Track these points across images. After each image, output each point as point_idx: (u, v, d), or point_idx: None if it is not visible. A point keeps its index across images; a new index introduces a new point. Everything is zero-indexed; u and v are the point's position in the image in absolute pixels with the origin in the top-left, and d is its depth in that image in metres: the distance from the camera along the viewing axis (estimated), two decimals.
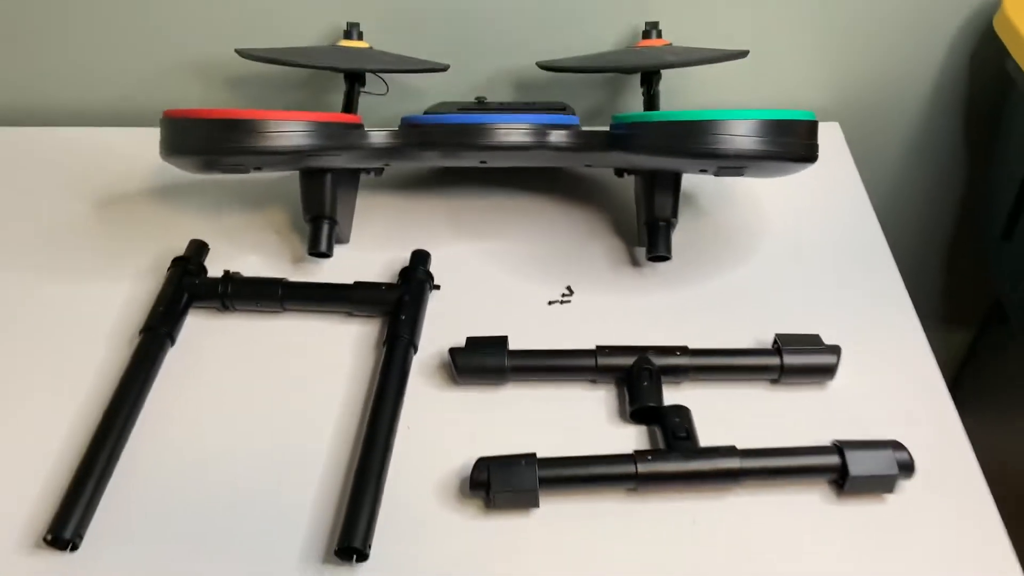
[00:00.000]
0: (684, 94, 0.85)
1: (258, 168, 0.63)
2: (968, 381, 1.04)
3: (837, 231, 0.74)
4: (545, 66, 0.77)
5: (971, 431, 0.60)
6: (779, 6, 0.80)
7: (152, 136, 0.80)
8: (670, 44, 0.77)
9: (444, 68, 0.76)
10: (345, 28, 0.77)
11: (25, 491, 0.55)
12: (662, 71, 0.76)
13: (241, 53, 0.72)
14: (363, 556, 0.51)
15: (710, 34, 0.81)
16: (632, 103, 0.86)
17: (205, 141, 0.61)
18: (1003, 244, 0.82)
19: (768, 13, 0.80)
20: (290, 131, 0.60)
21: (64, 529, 0.51)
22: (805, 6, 0.80)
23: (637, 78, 0.79)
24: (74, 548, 0.52)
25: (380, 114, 0.83)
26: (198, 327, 0.65)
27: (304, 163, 0.64)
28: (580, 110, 0.85)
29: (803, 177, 0.73)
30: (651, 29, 0.78)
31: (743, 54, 0.71)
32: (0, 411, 0.59)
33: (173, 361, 0.62)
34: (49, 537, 0.51)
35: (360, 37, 0.77)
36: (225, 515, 0.53)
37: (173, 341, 0.63)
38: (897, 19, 0.81)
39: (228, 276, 0.65)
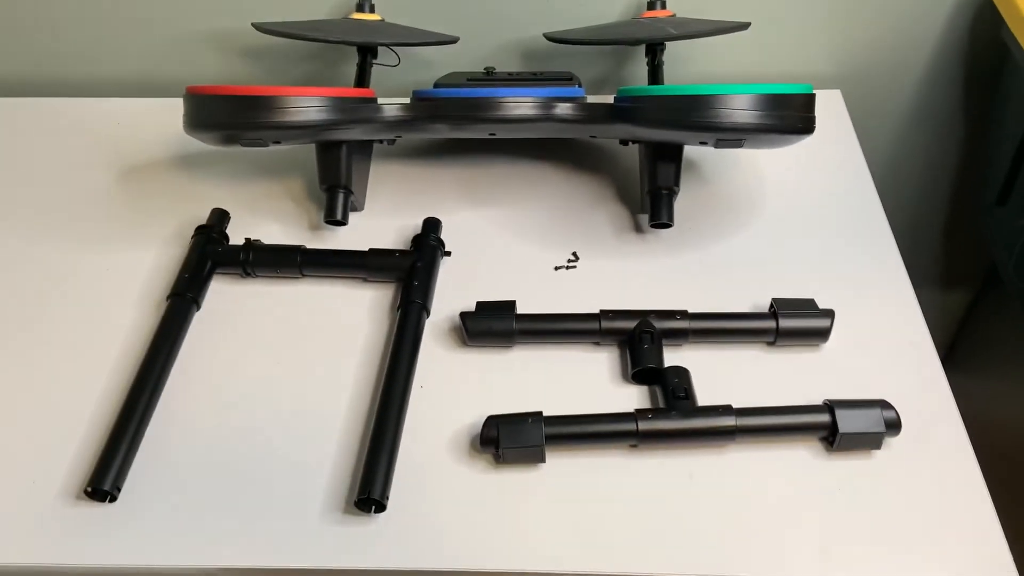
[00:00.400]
0: (689, 63, 0.86)
1: (277, 142, 0.66)
2: (964, 344, 1.06)
3: (835, 197, 0.76)
4: (552, 38, 0.79)
5: (966, 392, 0.62)
6: None
7: (172, 107, 0.83)
8: (674, 15, 0.78)
9: (454, 40, 0.78)
10: (358, 1, 0.79)
11: (65, 447, 0.58)
12: (666, 42, 0.78)
13: (257, 27, 0.75)
14: (381, 507, 0.54)
15: (714, 3, 0.82)
16: (637, 72, 0.88)
17: (226, 117, 0.63)
18: (998, 209, 0.84)
19: None
20: (308, 107, 0.63)
21: (103, 481, 0.55)
22: None
23: (642, 49, 0.81)
24: (112, 499, 0.55)
25: (392, 84, 0.85)
26: (222, 292, 0.68)
27: (321, 136, 0.67)
28: (586, 79, 0.87)
29: (803, 144, 0.76)
30: (656, 0, 0.79)
31: (744, 26, 0.73)
32: (39, 373, 0.63)
33: (199, 324, 0.66)
34: (89, 489, 0.55)
35: (372, 10, 0.79)
36: (251, 468, 0.57)
37: (199, 306, 0.66)
38: None
39: (249, 244, 0.68)
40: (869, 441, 0.58)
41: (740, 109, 0.60)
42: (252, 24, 0.75)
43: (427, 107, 0.67)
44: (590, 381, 0.62)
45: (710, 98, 0.60)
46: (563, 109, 0.66)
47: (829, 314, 0.63)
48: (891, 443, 0.58)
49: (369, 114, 0.66)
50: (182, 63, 0.86)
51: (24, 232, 0.73)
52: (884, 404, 0.58)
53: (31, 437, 0.59)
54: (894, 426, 0.58)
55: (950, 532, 0.54)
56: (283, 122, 0.63)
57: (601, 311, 0.64)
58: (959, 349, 1.07)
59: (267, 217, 0.74)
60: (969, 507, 0.55)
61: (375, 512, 0.55)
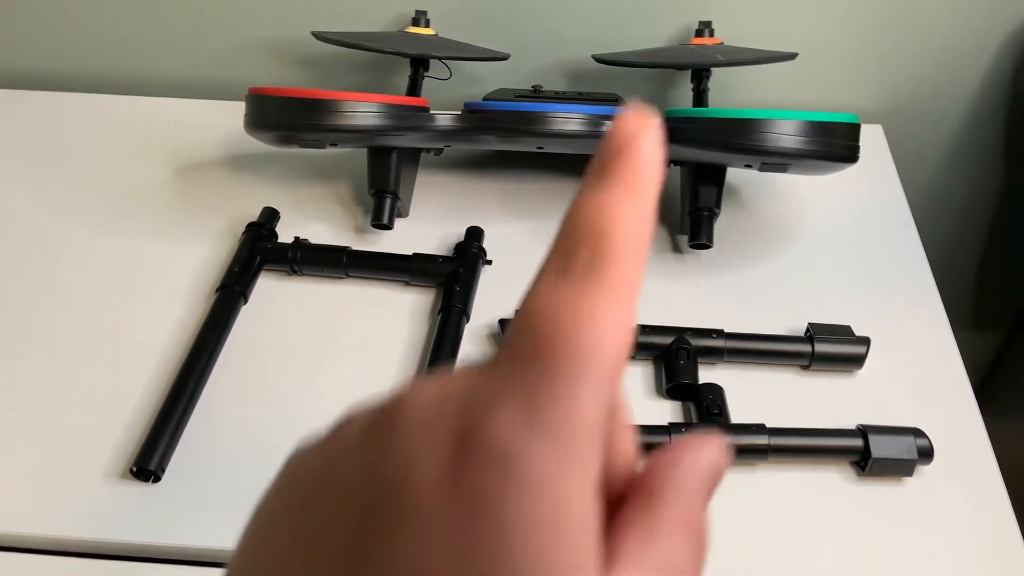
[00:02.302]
0: (733, 91, 0.88)
1: (333, 144, 0.68)
2: (997, 384, 1.06)
3: (874, 229, 0.76)
4: (600, 59, 0.81)
5: (996, 433, 0.62)
6: (829, 11, 0.82)
7: (230, 109, 0.85)
8: (722, 43, 0.80)
9: (505, 57, 0.80)
10: (413, 16, 0.81)
11: (113, 428, 0.60)
12: (712, 69, 0.79)
13: (317, 35, 0.77)
14: None
15: (761, 34, 0.84)
16: (682, 97, 0.89)
17: (287, 117, 0.65)
18: None
19: (818, 17, 0.83)
20: (365, 111, 0.65)
21: (148, 462, 0.56)
22: (855, 13, 0.82)
23: (687, 74, 0.82)
24: (156, 479, 0.57)
25: (441, 97, 0.87)
26: (269, 287, 0.70)
27: (374, 141, 0.69)
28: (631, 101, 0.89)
29: (844, 176, 0.76)
30: (704, 28, 0.81)
31: (791, 56, 0.74)
32: (91, 357, 0.65)
33: (245, 317, 0.67)
34: (135, 468, 0.56)
35: (427, 24, 0.81)
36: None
37: (246, 299, 0.68)
38: (943, 28, 0.83)
39: (298, 242, 0.70)
40: (901, 468, 0.58)
41: (787, 134, 0.62)
42: (311, 32, 0.78)
43: (478, 118, 0.69)
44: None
45: (758, 122, 0.62)
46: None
47: (865, 341, 0.64)
48: (922, 472, 0.59)
49: (422, 122, 0.68)
50: (243, 66, 0.89)
51: (82, 222, 0.75)
52: (917, 432, 0.58)
53: (81, 418, 0.61)
54: (927, 454, 0.58)
55: (978, 565, 0.54)
56: (341, 125, 0.65)
57: (638, 325, 0.64)
58: (990, 389, 1.06)
59: (315, 218, 0.76)
60: (998, 541, 0.55)
61: None
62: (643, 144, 0.20)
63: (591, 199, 0.20)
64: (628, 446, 0.21)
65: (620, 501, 0.20)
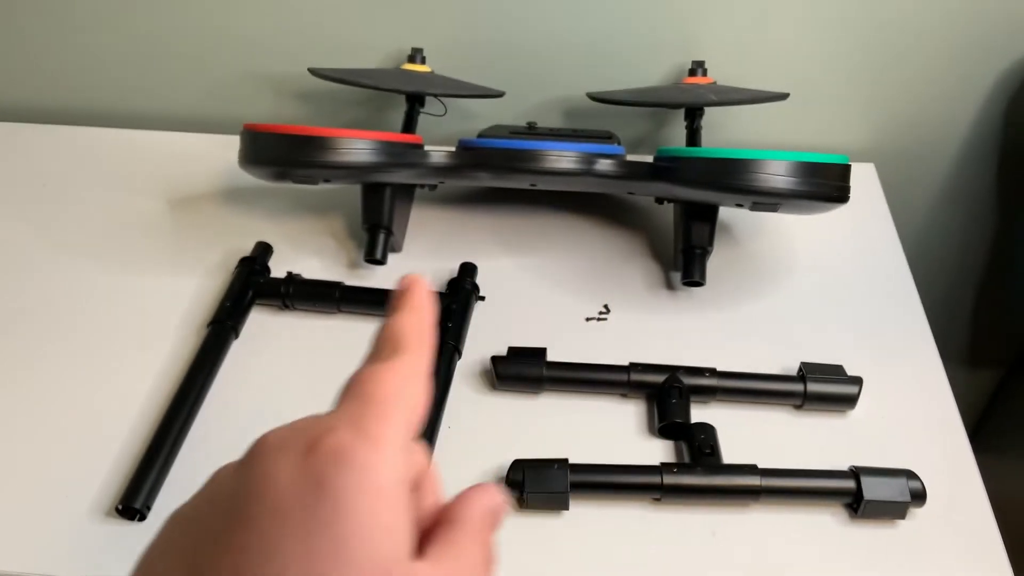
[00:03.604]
0: (726, 129, 0.88)
1: (326, 180, 0.68)
2: (991, 424, 1.06)
3: (866, 268, 0.76)
4: (595, 97, 0.82)
5: (991, 473, 0.62)
6: (822, 51, 0.83)
7: (225, 143, 0.86)
8: (714, 82, 0.81)
9: (500, 94, 0.81)
10: (409, 53, 0.82)
11: (99, 465, 0.60)
12: (705, 108, 0.80)
13: (313, 72, 0.78)
14: None
15: (753, 74, 0.84)
16: (675, 135, 0.90)
17: (281, 154, 0.66)
18: None
19: (810, 56, 0.84)
20: (359, 148, 0.65)
21: (135, 499, 0.56)
22: (847, 52, 0.83)
23: (681, 112, 0.83)
24: (142, 518, 0.56)
25: (437, 133, 0.88)
26: (260, 322, 0.70)
27: (368, 177, 0.69)
28: (624, 139, 0.89)
29: (836, 214, 0.77)
30: (697, 67, 0.82)
31: (783, 96, 0.75)
32: (78, 393, 0.65)
33: (236, 352, 0.67)
34: (120, 507, 0.56)
35: (423, 62, 0.82)
36: None
37: (237, 334, 0.68)
38: (935, 67, 0.84)
39: (291, 277, 0.70)
40: (893, 510, 0.57)
41: (777, 175, 0.62)
42: (308, 69, 0.78)
43: (472, 155, 0.69)
44: (616, 432, 0.63)
45: (749, 162, 0.62)
46: (604, 165, 0.68)
47: (857, 381, 0.64)
48: (916, 514, 0.58)
49: (416, 159, 0.68)
50: (237, 102, 0.90)
51: (75, 255, 0.75)
52: (910, 474, 0.58)
53: (68, 453, 0.60)
54: (919, 496, 0.57)
55: None
56: (335, 162, 0.65)
57: (630, 364, 0.64)
58: (985, 429, 1.06)
59: (308, 253, 0.76)
60: None
61: None
62: (419, 287, 0.31)
63: (392, 320, 0.30)
64: (435, 497, 0.30)
65: (428, 532, 0.28)
